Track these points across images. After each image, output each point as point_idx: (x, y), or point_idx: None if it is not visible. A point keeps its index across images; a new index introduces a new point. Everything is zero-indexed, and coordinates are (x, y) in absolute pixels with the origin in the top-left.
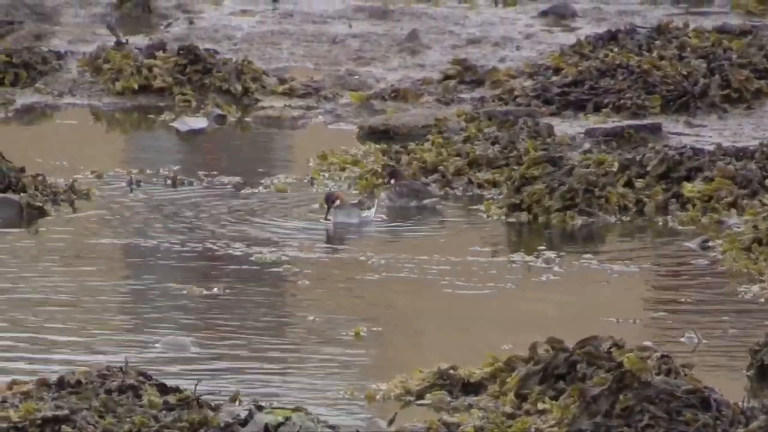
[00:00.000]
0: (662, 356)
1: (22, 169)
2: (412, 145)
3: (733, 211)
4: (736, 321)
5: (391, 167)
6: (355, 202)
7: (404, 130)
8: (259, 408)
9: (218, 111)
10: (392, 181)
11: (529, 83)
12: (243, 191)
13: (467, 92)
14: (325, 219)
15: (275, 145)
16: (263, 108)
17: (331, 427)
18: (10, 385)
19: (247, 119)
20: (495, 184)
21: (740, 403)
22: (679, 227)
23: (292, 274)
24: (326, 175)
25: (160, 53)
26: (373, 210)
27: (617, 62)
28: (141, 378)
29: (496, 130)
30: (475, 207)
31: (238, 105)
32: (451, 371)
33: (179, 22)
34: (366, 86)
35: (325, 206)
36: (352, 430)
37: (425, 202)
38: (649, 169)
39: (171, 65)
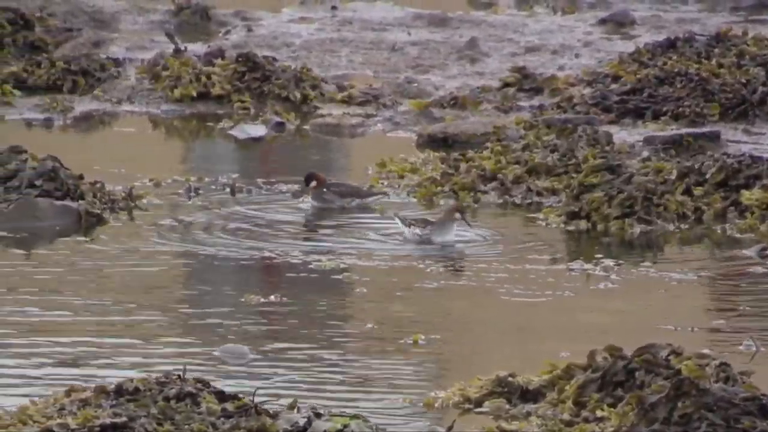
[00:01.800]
0: (720, 364)
1: (81, 177)
2: (470, 153)
3: None
4: None
5: (310, 172)
6: (450, 218)
7: (463, 137)
8: (318, 415)
9: (277, 118)
10: (313, 184)
11: (588, 91)
12: (301, 198)
13: (526, 100)
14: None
15: (334, 153)
16: (322, 115)
17: None
18: (69, 392)
19: (305, 127)
20: (554, 192)
21: None
22: (738, 235)
23: (351, 282)
24: (385, 183)
25: (218, 60)
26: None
27: (676, 70)
28: (199, 385)
29: (555, 138)
30: (533, 215)
31: (296, 112)
32: (510, 379)
33: (238, 30)
34: (425, 94)
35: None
36: None
37: (369, 200)
38: (707, 176)
39: (230, 72)
